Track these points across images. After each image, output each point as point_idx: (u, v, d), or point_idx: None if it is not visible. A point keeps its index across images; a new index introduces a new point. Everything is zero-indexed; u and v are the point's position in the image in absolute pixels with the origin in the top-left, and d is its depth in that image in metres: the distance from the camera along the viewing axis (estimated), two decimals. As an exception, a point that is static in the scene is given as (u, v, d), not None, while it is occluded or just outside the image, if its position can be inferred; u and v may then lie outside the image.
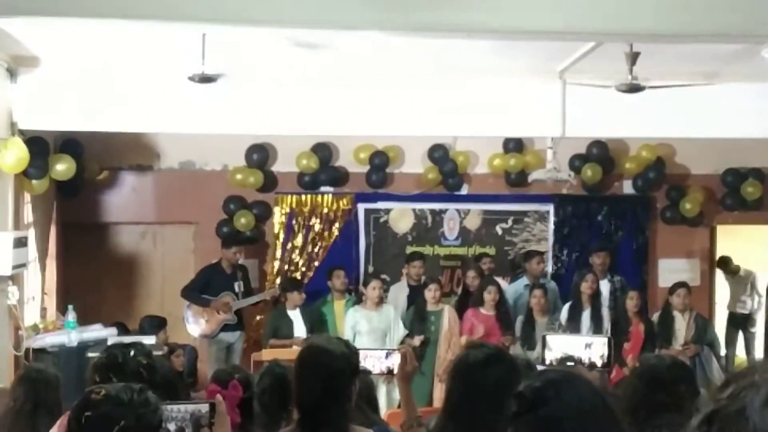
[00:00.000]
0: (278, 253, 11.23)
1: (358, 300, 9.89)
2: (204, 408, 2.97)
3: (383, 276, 10.26)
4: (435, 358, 9.47)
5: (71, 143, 10.14)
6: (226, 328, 10.20)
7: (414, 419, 3.91)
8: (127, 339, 5.68)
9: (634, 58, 7.51)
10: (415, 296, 9.97)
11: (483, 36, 6.88)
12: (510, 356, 3.38)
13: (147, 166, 11.22)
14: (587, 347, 6.59)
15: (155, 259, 11.43)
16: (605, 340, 6.81)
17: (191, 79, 7.73)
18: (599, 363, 6.57)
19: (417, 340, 9.35)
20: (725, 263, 12.75)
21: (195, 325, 10.19)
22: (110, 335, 8.60)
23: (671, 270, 11.49)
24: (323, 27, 6.47)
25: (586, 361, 6.45)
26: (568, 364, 6.24)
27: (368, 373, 4.57)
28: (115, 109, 8.88)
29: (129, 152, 11.07)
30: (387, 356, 4.71)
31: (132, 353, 3.82)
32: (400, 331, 9.44)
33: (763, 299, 13.12)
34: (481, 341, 7.50)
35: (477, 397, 3.00)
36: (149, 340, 7.45)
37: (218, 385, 3.90)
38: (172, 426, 2.94)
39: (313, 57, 8.15)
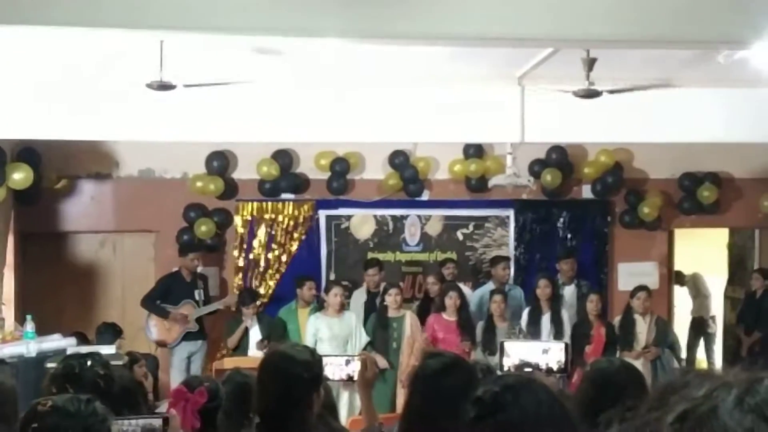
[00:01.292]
0: (239, 261, 11.19)
1: (320, 307, 9.89)
2: (157, 422, 2.94)
3: (345, 282, 10.25)
4: (397, 364, 9.48)
5: (28, 152, 10.04)
6: (187, 336, 10.14)
7: (375, 426, 3.91)
8: (85, 349, 5.63)
9: (590, 63, 7.58)
10: (373, 302, 9.99)
11: (443, 43, 6.90)
12: (467, 364, 3.40)
13: (106, 175, 11.13)
14: (545, 353, 6.64)
15: (115, 268, 11.34)
16: (562, 345, 6.88)
17: (149, 86, 7.69)
18: (556, 368, 6.61)
19: (381, 363, 9.13)
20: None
21: (156, 335, 10.13)
22: (69, 345, 8.50)
23: (630, 274, 11.58)
24: (283, 34, 6.46)
25: (544, 366, 6.49)
26: (526, 369, 6.28)
27: (327, 379, 4.57)
28: (72, 117, 8.80)
29: (87, 160, 10.97)
30: (347, 363, 4.71)
31: (89, 363, 3.79)
32: (363, 338, 9.44)
33: (709, 299, 13.31)
34: (439, 350, 7.52)
35: (435, 406, 3.01)
36: (109, 350, 7.37)
37: (185, 387, 3.88)
38: None
39: (273, 64, 8.13)
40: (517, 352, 6.58)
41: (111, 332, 9.37)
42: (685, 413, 0.78)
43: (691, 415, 0.77)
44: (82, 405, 2.51)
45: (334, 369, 4.68)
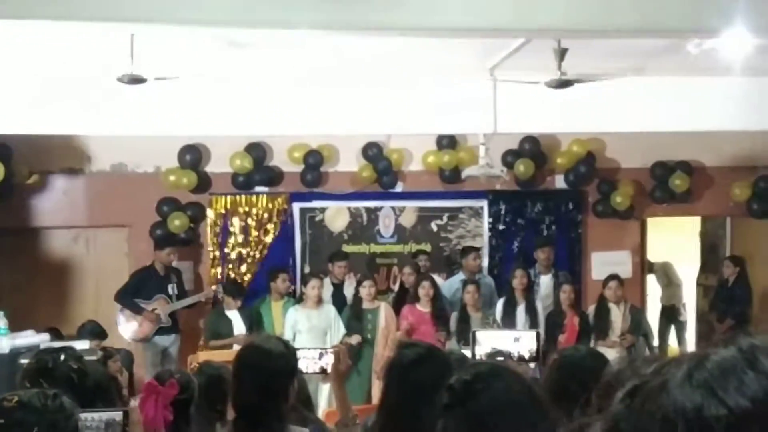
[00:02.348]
0: (213, 255, 11.16)
1: (298, 300, 9.89)
2: (118, 416, 2.93)
3: (321, 275, 10.25)
4: (372, 356, 9.51)
5: (-1, 147, 9.98)
6: (161, 331, 10.12)
7: (349, 418, 3.93)
8: (59, 344, 5.60)
9: (562, 54, 7.61)
10: (339, 294, 10.00)
11: (415, 34, 6.91)
12: (442, 353, 3.41)
13: (78, 169, 11.07)
14: (516, 341, 6.66)
15: (88, 264, 11.29)
16: (533, 333, 6.90)
17: (120, 80, 7.64)
18: (528, 356, 6.64)
19: (354, 339, 9.38)
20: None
21: (129, 330, 10.09)
22: (43, 341, 8.44)
23: (604, 263, 11.65)
24: (256, 26, 6.44)
25: (516, 355, 6.52)
26: (498, 358, 6.30)
27: (300, 372, 4.58)
28: (43, 112, 8.74)
29: (59, 155, 10.91)
30: (320, 356, 4.72)
31: (63, 358, 3.77)
32: (341, 330, 9.46)
33: (680, 287, 13.41)
34: (413, 340, 7.54)
35: (411, 396, 3.03)
36: (82, 344, 7.33)
37: (156, 381, 3.88)
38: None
39: (245, 56, 8.11)
40: (489, 341, 6.60)
41: (96, 332, 9.24)
42: (635, 389, 0.79)
43: (641, 391, 0.78)
44: (49, 400, 2.50)
45: (308, 362, 4.68)
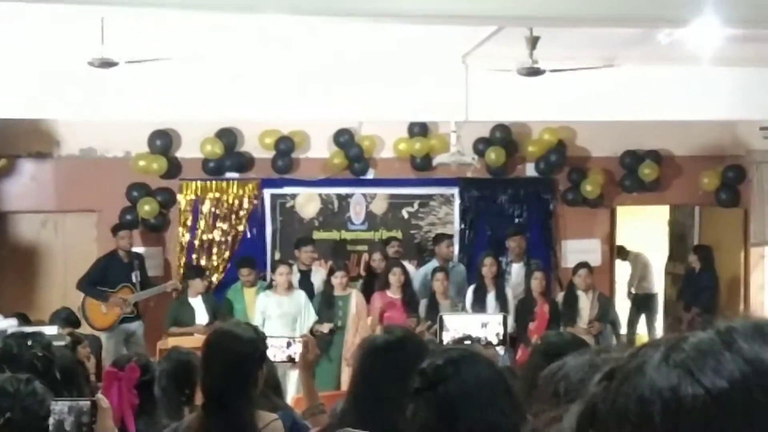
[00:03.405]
0: (183, 241, 11.12)
1: (269, 285, 9.88)
2: (85, 406, 2.91)
3: (290, 261, 10.23)
4: (343, 343, 9.52)
5: (-34, 130, 9.88)
6: (125, 319, 10.06)
7: (316, 407, 3.94)
8: (28, 329, 5.56)
9: (534, 42, 7.63)
10: (306, 280, 9.99)
11: (387, 20, 6.91)
12: (420, 338, 3.42)
13: (46, 154, 10.98)
14: (484, 326, 6.69)
15: (57, 249, 11.21)
16: (500, 318, 6.92)
17: (91, 63, 7.59)
18: (495, 341, 6.67)
19: (326, 327, 9.39)
20: (619, 251, 13.13)
21: (92, 320, 9.99)
22: (10, 326, 8.39)
23: (575, 251, 11.71)
24: (225, 10, 6.42)
25: (483, 339, 6.55)
26: (465, 342, 6.32)
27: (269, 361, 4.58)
28: (12, 95, 8.67)
29: (27, 139, 10.81)
30: (288, 345, 4.72)
31: (29, 344, 3.75)
32: (312, 316, 9.45)
33: (652, 277, 13.51)
34: (395, 325, 7.56)
35: (384, 379, 3.03)
36: (51, 330, 7.29)
37: (114, 368, 3.86)
38: (50, 420, 2.88)
39: (216, 41, 8.08)
40: (456, 326, 6.62)
41: (69, 319, 9.13)
42: (612, 371, 0.80)
43: (618, 373, 0.79)
44: (21, 385, 2.48)
45: (276, 351, 4.68)
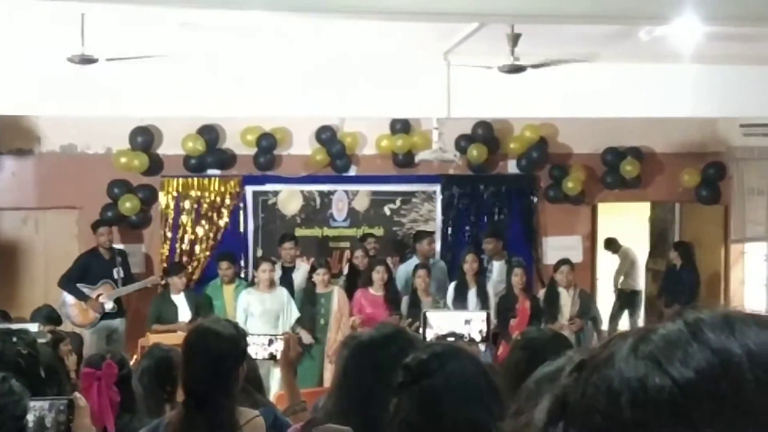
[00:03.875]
0: (164, 238, 11.08)
1: (250, 283, 9.86)
2: (62, 404, 2.90)
3: (273, 258, 10.21)
4: (325, 340, 9.51)
5: (-54, 127, 9.82)
6: (106, 316, 10.02)
7: (297, 404, 3.95)
8: (14, 326, 5.52)
9: (515, 39, 7.64)
10: (288, 277, 9.98)
11: (369, 17, 6.90)
12: (410, 335, 3.41)
13: (27, 150, 10.93)
14: (467, 323, 6.71)
15: (37, 246, 11.15)
16: (484, 315, 6.95)
17: (71, 60, 7.55)
18: (479, 338, 6.69)
19: (307, 338, 9.29)
20: (610, 243, 13.19)
21: (74, 317, 9.96)
22: (-9, 324, 8.37)
23: (556, 247, 11.76)
24: (206, 7, 6.40)
25: (467, 336, 6.56)
26: (449, 339, 6.34)
27: (249, 358, 4.58)
28: (-8, 92, 8.62)
29: (8, 136, 10.76)
30: (270, 343, 4.72)
31: (14, 340, 3.73)
32: (294, 313, 9.43)
33: (639, 273, 13.56)
34: (385, 321, 7.57)
35: (371, 376, 3.03)
36: (32, 327, 7.27)
37: (91, 368, 3.84)
38: (30, 416, 2.86)
39: (198, 38, 8.05)
40: (439, 323, 6.64)
41: (50, 317, 9.09)
42: (583, 363, 0.81)
43: (588, 364, 0.80)
44: None
45: (257, 348, 4.68)
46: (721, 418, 0.73)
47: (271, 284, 9.48)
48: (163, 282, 10.31)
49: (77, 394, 3.08)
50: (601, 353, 0.80)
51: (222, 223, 11.22)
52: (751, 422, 0.73)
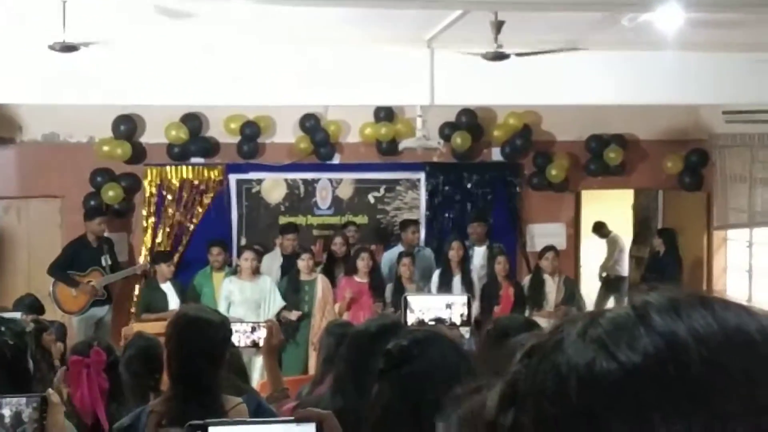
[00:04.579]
0: (147, 226, 11.05)
1: (234, 271, 9.85)
2: (35, 402, 2.89)
3: (256, 246, 10.20)
4: (309, 328, 9.51)
5: (-73, 115, 9.75)
6: (95, 303, 10.02)
7: (280, 391, 3.96)
8: (6, 315, 5.48)
9: (498, 26, 7.63)
10: (289, 266, 9.97)
11: (352, 4, 6.89)
12: (403, 327, 3.42)
13: (8, 139, 10.87)
14: (448, 307, 6.70)
15: (20, 235, 11.10)
16: (465, 299, 6.94)
17: (52, 47, 7.50)
18: (459, 322, 6.69)
19: (294, 315, 9.37)
20: (599, 227, 13.22)
21: (63, 304, 9.96)
22: (-27, 313, 8.32)
23: (540, 235, 11.79)
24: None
25: (448, 320, 6.56)
26: (429, 323, 6.34)
27: (232, 346, 4.58)
28: (-28, 80, 8.56)
29: (-11, 124, 10.70)
30: (253, 330, 4.72)
31: (1, 329, 3.70)
32: (278, 302, 9.42)
33: (626, 259, 13.60)
34: (383, 314, 7.56)
35: (368, 366, 3.03)
36: (14, 316, 7.22)
37: (79, 356, 3.83)
38: (6, 411, 2.85)
39: (180, 25, 8.01)
40: (420, 307, 6.62)
41: (33, 306, 9.04)
42: (533, 349, 0.80)
43: (538, 350, 0.79)
44: None
45: (240, 336, 4.68)
46: (669, 402, 0.73)
47: (254, 272, 9.47)
48: (150, 269, 10.29)
49: (50, 390, 3.07)
50: (550, 338, 0.80)
51: (205, 211, 11.19)
52: (699, 405, 0.73)
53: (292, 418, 2.13)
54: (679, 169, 12.12)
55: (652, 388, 0.73)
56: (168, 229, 11.08)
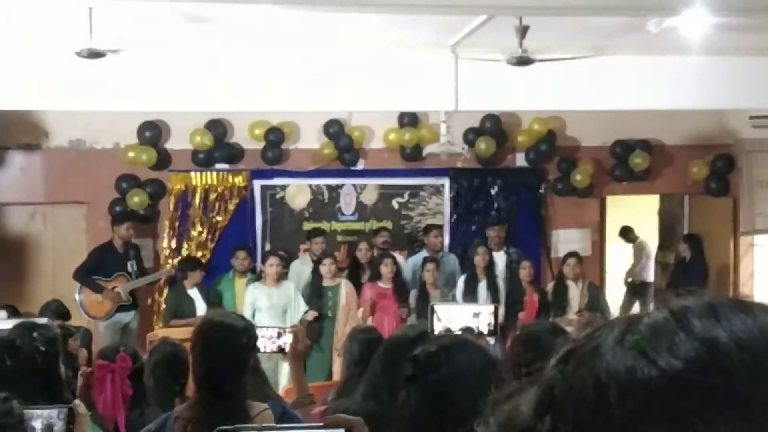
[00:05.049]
0: (172, 232, 11.09)
1: (258, 277, 9.86)
2: (62, 412, 2.89)
3: (281, 252, 10.22)
4: (333, 333, 9.51)
5: (-45, 122, 9.83)
6: (121, 308, 10.06)
7: (305, 397, 3.95)
8: (39, 321, 5.50)
9: (523, 31, 7.61)
10: (317, 272, 9.97)
11: (376, 10, 6.89)
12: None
13: (35, 145, 10.94)
14: (476, 316, 6.68)
15: (46, 241, 11.17)
16: (492, 308, 6.93)
17: (79, 54, 7.55)
18: (486, 331, 6.67)
19: (310, 315, 9.35)
20: (626, 232, 13.16)
21: (88, 309, 10.00)
22: (-1, 318, 8.38)
23: (565, 240, 11.73)
24: (214, 0, 6.39)
25: (476, 329, 6.54)
26: (457, 331, 6.32)
27: (258, 351, 4.58)
28: (1, 87, 8.62)
29: (16, 131, 10.77)
30: (279, 336, 4.71)
31: (34, 336, 3.71)
32: (302, 307, 9.43)
33: (651, 264, 13.53)
34: (421, 321, 7.54)
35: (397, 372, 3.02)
36: (40, 321, 7.27)
37: (105, 360, 3.84)
38: (38, 423, 2.86)
39: (205, 32, 8.04)
40: (448, 316, 6.61)
41: (59, 311, 9.09)
42: (569, 354, 0.79)
43: (574, 356, 0.78)
44: None
45: (266, 341, 4.66)
46: (712, 409, 0.72)
47: (278, 278, 9.48)
48: (177, 275, 10.31)
49: (77, 401, 3.07)
50: (586, 344, 0.79)
51: (229, 217, 11.21)
52: (741, 411, 0.72)
53: (320, 423, 2.12)
54: (705, 175, 12.04)
55: (694, 396, 0.72)
56: (193, 235, 11.10)
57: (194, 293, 9.90)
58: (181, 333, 7.12)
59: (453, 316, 6.67)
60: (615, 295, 12.80)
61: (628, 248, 13.54)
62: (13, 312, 9.04)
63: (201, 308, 9.75)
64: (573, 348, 0.80)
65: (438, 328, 6.48)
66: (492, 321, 6.66)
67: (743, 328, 0.75)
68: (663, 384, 0.73)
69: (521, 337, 3.46)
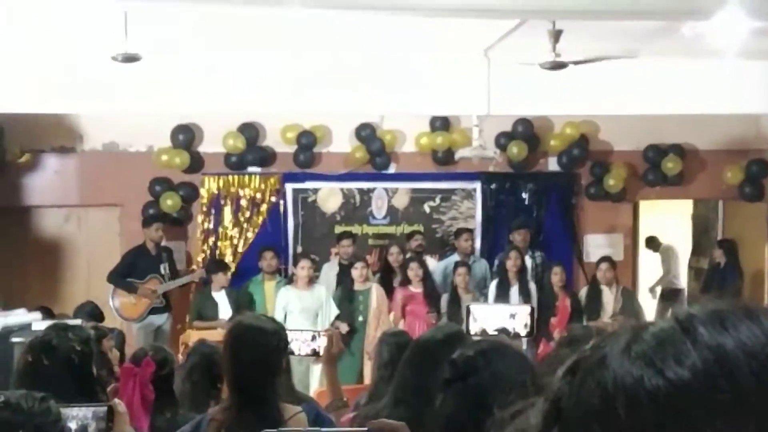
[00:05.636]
0: (205, 235, 11.14)
1: (290, 280, 9.88)
2: (102, 411, 2.91)
3: (312, 256, 10.24)
4: (364, 337, 9.51)
5: (-9, 125, 9.93)
6: (154, 310, 10.12)
7: (339, 400, 3.95)
8: (72, 322, 5.56)
9: (557, 35, 7.59)
10: (345, 275, 9.99)
11: (410, 14, 6.89)
12: (467, 336, 3.40)
13: (70, 148, 11.03)
14: (512, 317, 6.66)
15: (79, 243, 11.26)
16: (529, 309, 6.90)
17: (114, 58, 7.60)
18: (523, 333, 6.65)
19: (344, 328, 9.30)
20: (650, 241, 13.06)
21: (122, 311, 10.07)
22: (34, 320, 8.45)
23: (597, 245, 11.68)
24: (247, 4, 6.42)
25: (512, 330, 6.52)
26: (491, 333, 6.31)
27: (291, 353, 4.59)
28: (36, 90, 8.70)
29: (51, 134, 10.87)
30: (313, 339, 4.72)
31: (69, 336, 3.75)
32: (333, 311, 9.44)
33: (680, 271, 13.42)
34: (448, 323, 7.54)
35: (433, 375, 3.01)
36: (74, 323, 7.33)
37: (131, 364, 3.86)
38: (73, 424, 2.88)
39: (239, 35, 8.08)
40: (484, 316, 6.59)
41: (93, 313, 9.17)
42: (575, 365, 0.79)
43: (581, 367, 0.78)
44: (36, 403, 2.47)
45: (300, 344, 4.67)
46: (720, 418, 0.71)
47: (310, 281, 9.49)
48: (208, 277, 10.37)
49: (117, 400, 3.10)
50: (593, 354, 0.78)
51: (261, 220, 11.25)
52: (751, 419, 0.71)
53: (366, 429, 2.11)
54: (739, 180, 11.94)
55: (703, 405, 0.72)
56: (225, 238, 11.15)
57: (219, 296, 9.93)
58: (213, 335, 7.16)
59: (489, 317, 6.65)
60: (648, 300, 12.72)
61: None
62: (47, 314, 9.12)
63: (224, 311, 9.79)
64: (579, 359, 0.79)
65: (474, 329, 6.47)
66: (528, 322, 6.63)
67: (750, 334, 0.74)
68: (671, 394, 0.72)
69: (567, 340, 3.44)
